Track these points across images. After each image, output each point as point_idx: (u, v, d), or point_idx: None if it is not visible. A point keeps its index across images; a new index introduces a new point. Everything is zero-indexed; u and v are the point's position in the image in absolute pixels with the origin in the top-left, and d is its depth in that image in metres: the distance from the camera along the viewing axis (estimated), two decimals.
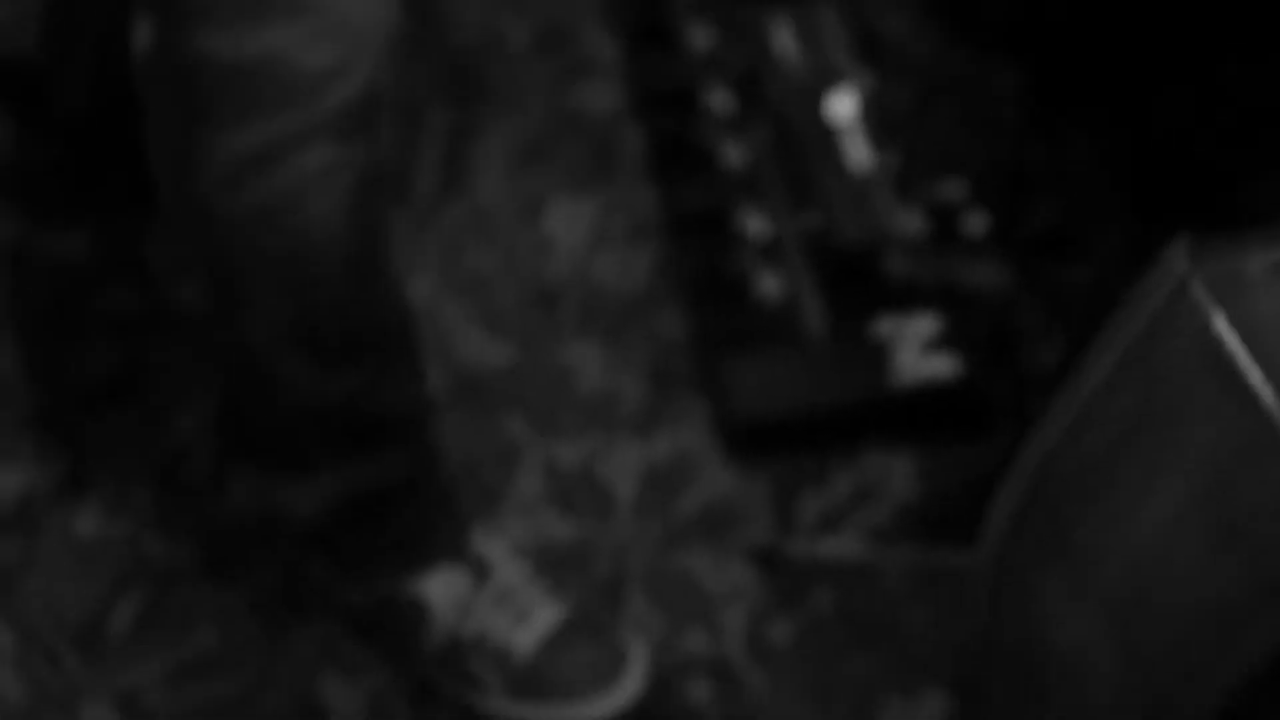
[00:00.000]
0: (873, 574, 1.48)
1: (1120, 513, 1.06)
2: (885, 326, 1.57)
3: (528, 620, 1.40)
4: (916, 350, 1.55)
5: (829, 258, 1.62)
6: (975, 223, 1.67)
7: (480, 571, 1.41)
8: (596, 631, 1.42)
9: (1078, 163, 1.75)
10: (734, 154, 1.70)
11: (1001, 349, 1.60)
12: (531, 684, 1.40)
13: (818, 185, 1.67)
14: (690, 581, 1.48)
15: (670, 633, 1.45)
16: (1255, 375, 1.01)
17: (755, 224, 1.65)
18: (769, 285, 1.61)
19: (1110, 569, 1.06)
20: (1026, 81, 1.81)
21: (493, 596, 1.41)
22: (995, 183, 1.72)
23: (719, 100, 1.75)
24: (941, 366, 1.54)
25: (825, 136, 1.70)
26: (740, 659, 1.43)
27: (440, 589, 1.40)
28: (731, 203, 1.67)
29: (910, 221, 1.65)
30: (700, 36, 1.79)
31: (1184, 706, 1.01)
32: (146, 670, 1.42)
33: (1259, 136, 1.69)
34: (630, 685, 1.41)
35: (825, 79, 1.75)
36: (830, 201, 1.66)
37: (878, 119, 1.72)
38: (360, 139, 1.22)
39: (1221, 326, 1.03)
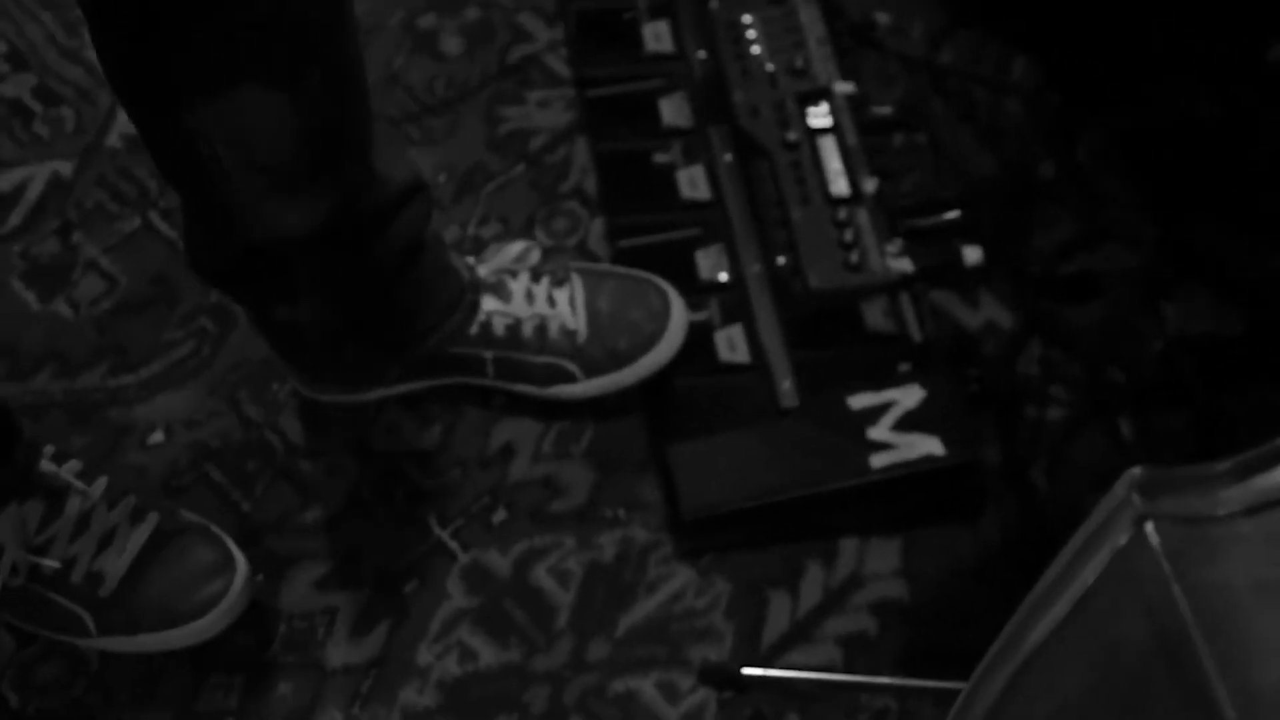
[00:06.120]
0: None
1: None
2: (859, 401, 1.37)
3: None
4: (890, 428, 1.35)
5: (797, 315, 1.43)
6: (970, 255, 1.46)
7: None
8: None
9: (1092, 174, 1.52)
10: (687, 183, 1.50)
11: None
12: None
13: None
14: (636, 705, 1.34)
15: None
16: (1210, 664, 0.84)
17: (710, 266, 1.46)
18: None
19: None
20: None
21: None
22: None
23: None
24: (925, 447, 1.34)
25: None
26: None
27: None
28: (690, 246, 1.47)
29: (896, 263, 1.45)
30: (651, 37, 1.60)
31: None
32: None
33: None
34: None
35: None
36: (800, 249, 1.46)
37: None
38: None
39: (1177, 594, 0.86)
